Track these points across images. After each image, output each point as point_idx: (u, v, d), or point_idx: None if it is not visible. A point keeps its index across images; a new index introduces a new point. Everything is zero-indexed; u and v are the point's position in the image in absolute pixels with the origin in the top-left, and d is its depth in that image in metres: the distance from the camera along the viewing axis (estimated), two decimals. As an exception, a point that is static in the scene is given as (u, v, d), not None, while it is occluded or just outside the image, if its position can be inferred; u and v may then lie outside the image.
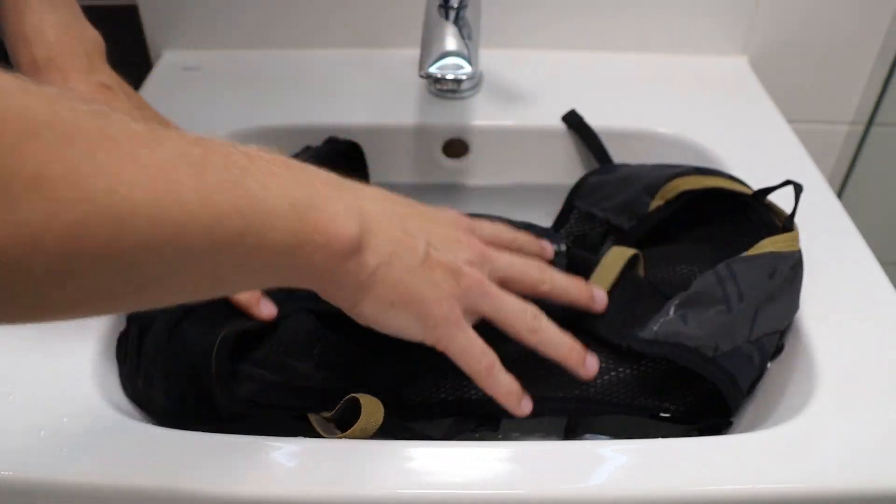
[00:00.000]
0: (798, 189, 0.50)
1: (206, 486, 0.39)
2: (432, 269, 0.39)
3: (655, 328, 0.46)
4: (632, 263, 0.52)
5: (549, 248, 0.50)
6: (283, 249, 0.33)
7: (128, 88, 0.54)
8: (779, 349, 0.50)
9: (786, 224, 0.51)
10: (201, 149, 0.31)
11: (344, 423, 0.43)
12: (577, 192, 0.63)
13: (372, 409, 0.43)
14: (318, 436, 0.43)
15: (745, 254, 0.49)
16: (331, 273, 0.36)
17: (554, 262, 0.50)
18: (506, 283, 0.43)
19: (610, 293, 0.49)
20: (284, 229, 0.33)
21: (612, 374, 0.48)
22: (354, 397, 0.44)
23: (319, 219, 0.34)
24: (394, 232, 0.38)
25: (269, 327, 0.48)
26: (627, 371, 0.48)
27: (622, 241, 0.58)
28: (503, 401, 0.42)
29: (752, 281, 0.48)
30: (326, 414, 0.45)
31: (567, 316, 0.47)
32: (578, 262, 0.52)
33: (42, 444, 0.41)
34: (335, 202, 0.35)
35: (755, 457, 0.41)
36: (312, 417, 0.44)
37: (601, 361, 0.46)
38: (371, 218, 0.37)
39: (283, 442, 0.42)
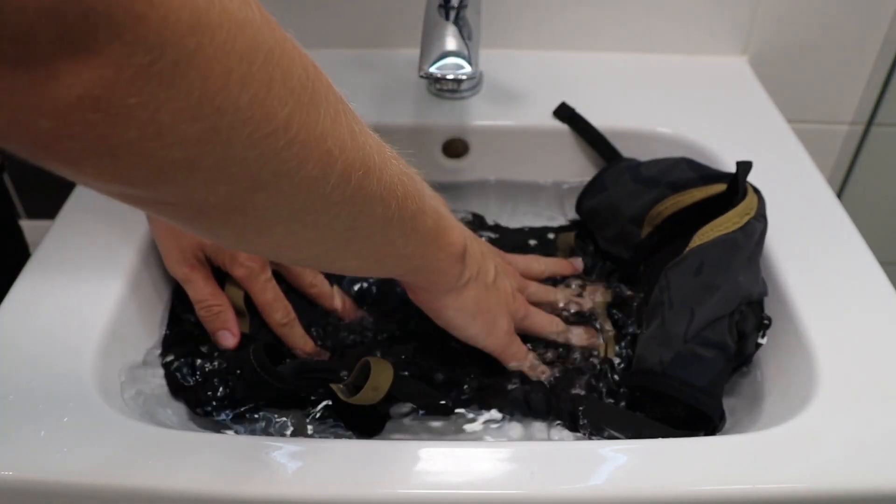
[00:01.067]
0: (743, 168, 0.52)
1: (206, 486, 0.39)
2: (498, 290, 0.49)
3: (636, 354, 0.51)
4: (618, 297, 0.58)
5: (578, 263, 0.60)
6: (429, 237, 0.41)
7: None
8: (764, 324, 0.50)
9: (731, 203, 0.52)
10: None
11: (357, 389, 0.45)
12: (580, 214, 0.64)
13: (380, 368, 0.45)
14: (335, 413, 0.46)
15: (679, 255, 0.51)
16: (443, 273, 0.44)
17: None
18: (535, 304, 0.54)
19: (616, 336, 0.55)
20: (433, 223, 0.41)
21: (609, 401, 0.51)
22: (366, 360, 0.46)
23: (446, 225, 0.43)
24: (477, 253, 0.47)
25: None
26: (622, 402, 0.51)
27: (625, 269, 0.60)
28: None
29: (681, 284, 0.50)
30: (346, 379, 0.47)
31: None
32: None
33: (42, 444, 0.41)
34: (451, 217, 0.44)
35: (755, 457, 0.41)
36: (335, 387, 0.45)
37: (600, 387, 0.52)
38: (465, 238, 0.45)
39: (283, 442, 0.42)
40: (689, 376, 0.46)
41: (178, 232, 0.51)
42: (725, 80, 0.76)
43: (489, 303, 0.48)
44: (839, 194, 0.90)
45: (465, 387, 0.51)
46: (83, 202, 0.58)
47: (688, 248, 0.51)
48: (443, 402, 0.49)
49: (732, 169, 0.55)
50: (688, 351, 0.47)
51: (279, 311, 0.53)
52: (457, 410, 0.50)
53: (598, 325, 0.56)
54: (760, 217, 0.51)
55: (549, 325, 0.54)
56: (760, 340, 0.50)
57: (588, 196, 0.63)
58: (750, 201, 0.52)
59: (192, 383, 0.49)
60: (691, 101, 0.72)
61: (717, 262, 0.49)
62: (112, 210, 0.57)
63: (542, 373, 0.52)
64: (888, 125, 0.84)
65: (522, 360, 0.52)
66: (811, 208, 0.59)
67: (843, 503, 0.41)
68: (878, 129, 0.85)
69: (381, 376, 0.45)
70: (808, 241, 0.55)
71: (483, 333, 0.49)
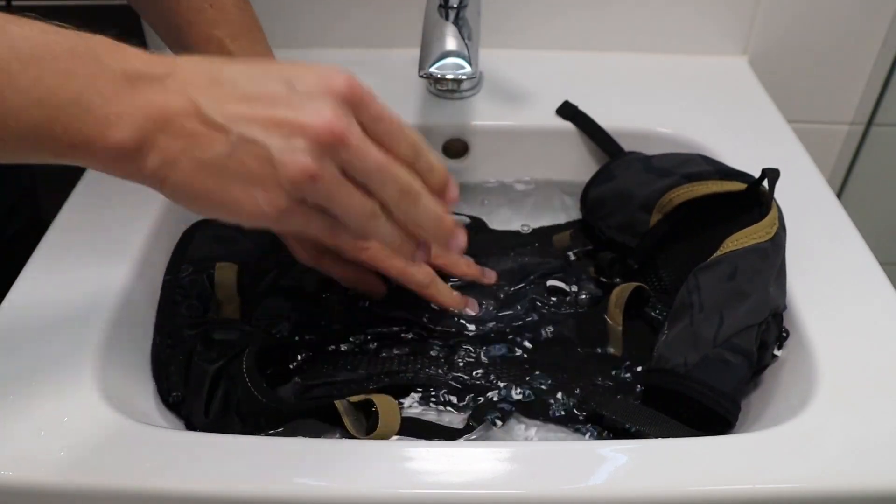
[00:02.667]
0: (773, 175, 0.51)
1: (206, 486, 0.39)
2: (242, 162, 0.35)
3: (655, 353, 0.50)
4: (636, 294, 0.56)
5: (453, 192, 0.41)
6: (56, 147, 0.33)
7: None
8: (782, 336, 0.50)
9: (761, 212, 0.51)
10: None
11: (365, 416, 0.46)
12: (584, 205, 0.64)
13: (386, 408, 0.46)
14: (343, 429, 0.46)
15: (710, 259, 0.50)
16: (111, 171, 0.35)
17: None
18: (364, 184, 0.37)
19: (623, 331, 0.55)
20: (46, 132, 0.33)
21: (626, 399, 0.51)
22: (370, 400, 0.46)
23: (86, 120, 0.33)
24: (194, 126, 0.35)
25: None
26: (636, 399, 0.51)
27: (632, 258, 0.59)
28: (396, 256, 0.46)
29: (712, 288, 0.49)
30: (353, 398, 0.47)
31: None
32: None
33: (42, 445, 0.41)
34: (112, 103, 0.33)
35: (755, 457, 0.41)
36: (339, 404, 0.46)
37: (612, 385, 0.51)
38: (166, 113, 0.34)
39: (283, 442, 0.42)
40: (714, 380, 0.46)
41: (299, 234, 0.53)
42: (725, 80, 0.76)
43: (215, 183, 0.35)
44: (839, 194, 0.90)
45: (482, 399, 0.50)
46: (83, 202, 0.58)
47: (720, 253, 0.50)
48: (451, 429, 0.49)
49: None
50: (716, 355, 0.47)
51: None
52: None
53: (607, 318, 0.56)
54: (783, 228, 0.51)
55: (354, 211, 0.37)
56: (777, 352, 0.50)
57: (595, 185, 0.63)
58: (774, 211, 0.51)
59: (183, 402, 0.49)
60: (691, 101, 0.72)
61: (751, 271, 0.49)
62: (113, 210, 0.57)
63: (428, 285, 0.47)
64: (888, 125, 0.84)
65: (326, 230, 0.38)
66: (811, 208, 0.59)
67: (843, 503, 0.41)
68: (878, 129, 0.85)
69: (390, 418, 0.46)
70: (808, 241, 0.55)
71: (236, 216, 0.36)
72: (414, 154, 0.38)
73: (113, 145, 0.33)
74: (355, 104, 0.37)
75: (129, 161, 0.34)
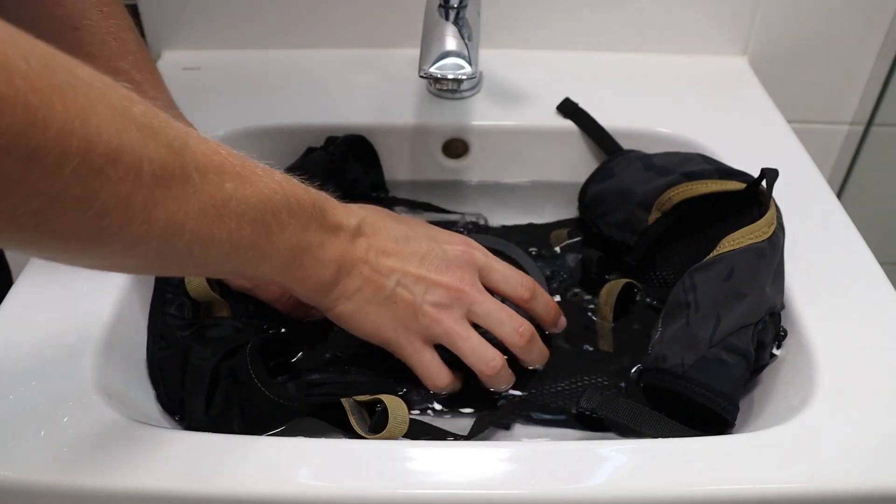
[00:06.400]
0: (772, 175, 0.51)
1: (206, 486, 0.39)
2: (395, 303, 0.47)
3: (650, 352, 0.50)
4: (627, 290, 0.57)
5: (562, 322, 0.54)
6: (280, 266, 0.43)
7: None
8: (780, 336, 0.50)
9: (760, 212, 0.51)
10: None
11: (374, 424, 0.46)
12: (582, 202, 0.64)
13: (395, 405, 0.46)
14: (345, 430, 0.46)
15: (706, 258, 0.50)
16: (304, 297, 0.47)
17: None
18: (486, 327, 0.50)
19: (614, 328, 0.56)
20: (289, 257, 0.43)
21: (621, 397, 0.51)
22: (380, 399, 0.46)
23: (307, 263, 0.44)
24: (366, 272, 0.46)
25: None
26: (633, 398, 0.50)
27: (629, 255, 0.59)
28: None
29: (709, 287, 0.49)
30: (359, 398, 0.47)
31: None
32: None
33: (42, 444, 0.41)
34: (328, 250, 0.44)
35: (755, 457, 0.41)
36: (346, 402, 0.46)
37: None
38: (353, 261, 0.46)
39: (283, 442, 0.42)
40: (712, 381, 0.46)
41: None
42: (725, 80, 0.76)
43: (374, 317, 0.47)
44: (839, 194, 0.90)
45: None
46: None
47: (717, 253, 0.50)
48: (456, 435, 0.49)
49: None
50: (713, 355, 0.47)
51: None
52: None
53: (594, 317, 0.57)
54: (781, 228, 0.51)
55: (473, 355, 0.48)
56: (775, 352, 0.50)
57: (594, 182, 0.63)
58: (772, 210, 0.51)
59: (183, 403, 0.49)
60: (691, 101, 0.72)
61: (748, 271, 0.49)
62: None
63: (501, 380, 0.50)
64: (888, 125, 0.84)
65: (440, 384, 0.49)
66: (811, 208, 0.59)
67: (843, 503, 0.41)
68: (878, 129, 0.85)
69: (399, 420, 0.46)
70: (808, 241, 0.55)
71: (382, 344, 0.49)
72: (529, 295, 0.51)
73: (319, 282, 0.45)
74: (476, 263, 0.50)
75: (322, 292, 0.46)
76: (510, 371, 0.50)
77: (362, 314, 0.47)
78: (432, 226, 0.52)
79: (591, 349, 0.54)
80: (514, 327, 0.49)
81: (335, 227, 0.45)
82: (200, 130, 0.38)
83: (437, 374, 0.49)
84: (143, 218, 0.32)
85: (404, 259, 0.48)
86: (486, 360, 0.48)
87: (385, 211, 0.50)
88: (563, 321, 0.53)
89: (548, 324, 0.53)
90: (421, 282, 0.47)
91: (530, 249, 0.63)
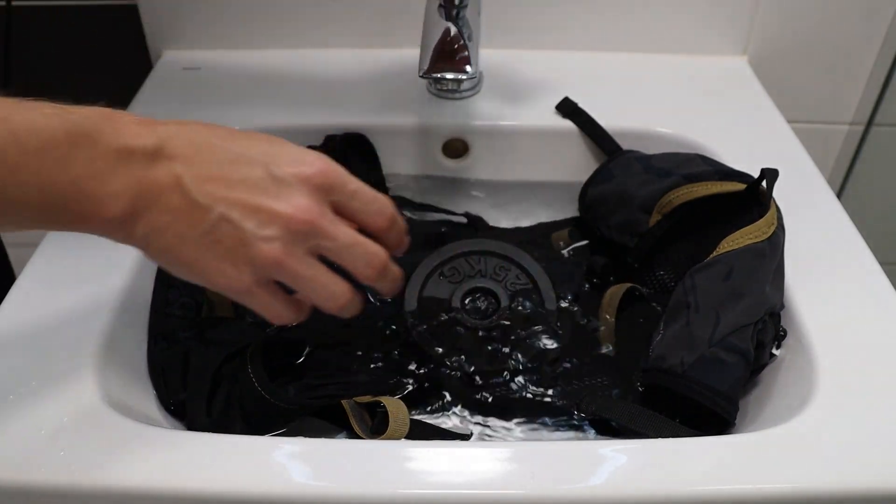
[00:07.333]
0: (772, 175, 0.51)
1: (206, 486, 0.39)
2: (219, 240, 0.39)
3: (651, 353, 0.50)
4: (629, 294, 0.57)
5: (406, 243, 0.46)
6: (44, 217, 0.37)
7: None
8: (780, 336, 0.50)
9: (761, 212, 0.51)
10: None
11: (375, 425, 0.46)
12: (582, 204, 0.64)
13: (395, 407, 0.45)
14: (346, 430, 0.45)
15: (707, 259, 0.51)
16: (105, 236, 0.39)
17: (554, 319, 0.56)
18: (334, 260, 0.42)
19: (617, 330, 0.55)
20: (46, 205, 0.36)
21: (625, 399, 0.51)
22: (380, 402, 0.46)
23: (81, 199, 0.37)
24: (178, 202, 0.39)
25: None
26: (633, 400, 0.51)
27: (630, 257, 0.59)
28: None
29: (708, 288, 0.49)
30: (360, 399, 0.47)
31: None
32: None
33: (42, 444, 0.41)
34: (107, 184, 0.37)
35: (755, 457, 0.41)
36: (346, 404, 0.46)
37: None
38: (154, 190, 0.38)
39: (283, 442, 0.42)
40: (711, 380, 0.46)
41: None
42: (725, 80, 0.76)
43: (192, 255, 0.39)
44: (839, 194, 0.90)
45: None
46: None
47: (716, 254, 0.50)
48: (460, 436, 0.49)
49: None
50: (712, 355, 0.47)
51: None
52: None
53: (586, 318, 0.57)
54: (781, 228, 0.51)
55: (317, 296, 0.41)
56: (775, 352, 0.50)
57: (594, 184, 0.63)
58: (773, 211, 0.51)
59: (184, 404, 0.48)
60: (691, 101, 0.72)
61: (747, 271, 0.49)
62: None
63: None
64: (888, 125, 0.84)
65: (287, 319, 0.42)
66: (811, 208, 0.59)
67: (843, 503, 0.41)
68: (878, 129, 0.85)
69: (400, 422, 0.45)
70: (808, 241, 0.55)
71: (214, 289, 0.41)
72: (388, 224, 0.43)
73: (107, 219, 0.38)
74: (328, 188, 0.40)
75: (120, 229, 0.38)
76: (359, 298, 0.43)
77: (177, 253, 0.39)
78: (280, 141, 0.42)
79: (593, 352, 0.54)
80: (366, 261, 0.42)
81: (120, 151, 0.37)
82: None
83: (283, 312, 0.42)
84: None
85: (231, 185, 0.39)
86: (332, 297, 0.42)
87: (214, 126, 0.41)
88: (406, 242, 0.45)
89: (393, 249, 0.45)
90: (253, 213, 0.39)
91: (535, 253, 0.63)
